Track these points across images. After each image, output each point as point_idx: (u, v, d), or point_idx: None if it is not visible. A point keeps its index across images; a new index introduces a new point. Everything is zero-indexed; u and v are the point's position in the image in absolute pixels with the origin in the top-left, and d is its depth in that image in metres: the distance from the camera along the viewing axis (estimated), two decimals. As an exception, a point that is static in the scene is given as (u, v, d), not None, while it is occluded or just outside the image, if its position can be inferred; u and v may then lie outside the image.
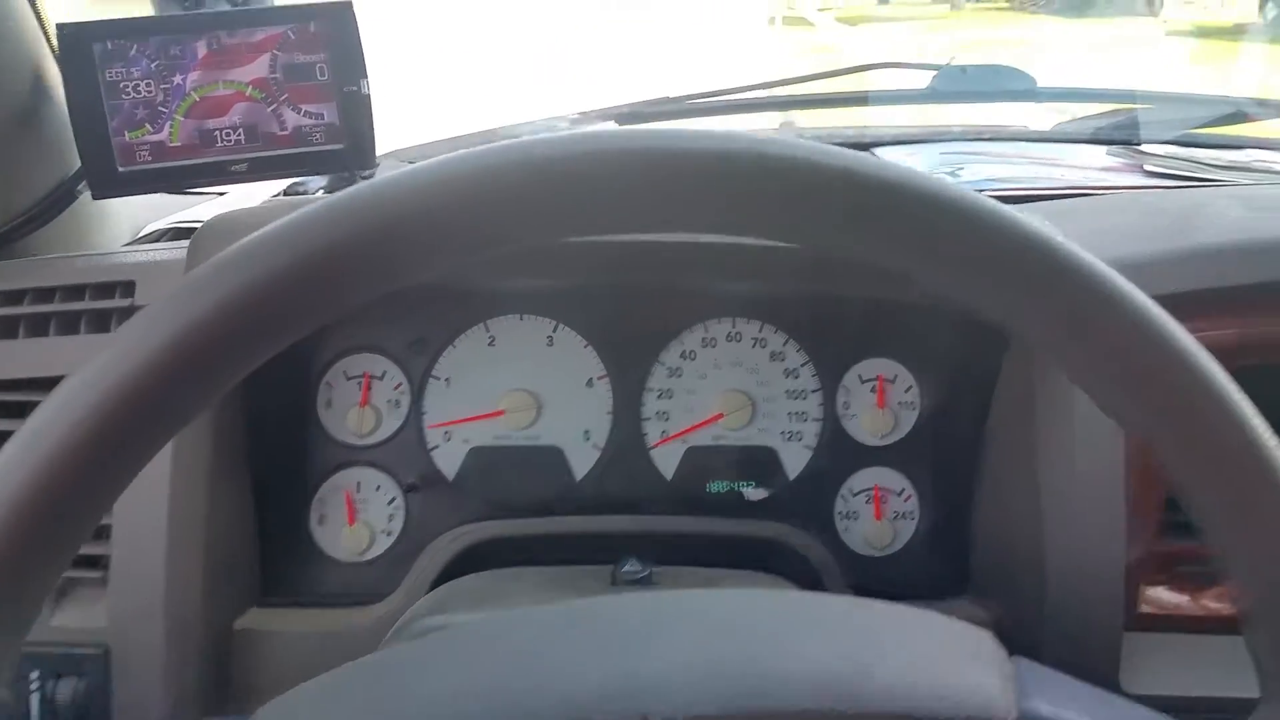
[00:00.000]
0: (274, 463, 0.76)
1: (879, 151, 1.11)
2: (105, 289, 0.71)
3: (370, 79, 0.63)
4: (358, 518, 0.77)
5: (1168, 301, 0.67)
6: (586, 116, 1.11)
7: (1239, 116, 1.23)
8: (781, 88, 1.18)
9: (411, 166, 0.33)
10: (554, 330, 0.78)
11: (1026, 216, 0.34)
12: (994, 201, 0.34)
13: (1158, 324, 0.34)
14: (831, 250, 0.34)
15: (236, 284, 0.30)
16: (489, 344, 0.78)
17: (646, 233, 0.35)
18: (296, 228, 0.31)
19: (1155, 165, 1.02)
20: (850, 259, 0.34)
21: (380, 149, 0.80)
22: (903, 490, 0.79)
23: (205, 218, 0.81)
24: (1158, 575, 0.71)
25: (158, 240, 0.84)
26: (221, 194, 0.97)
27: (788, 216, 0.33)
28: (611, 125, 1.12)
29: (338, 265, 0.31)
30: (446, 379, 0.78)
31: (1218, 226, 0.72)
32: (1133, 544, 0.67)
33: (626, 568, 0.68)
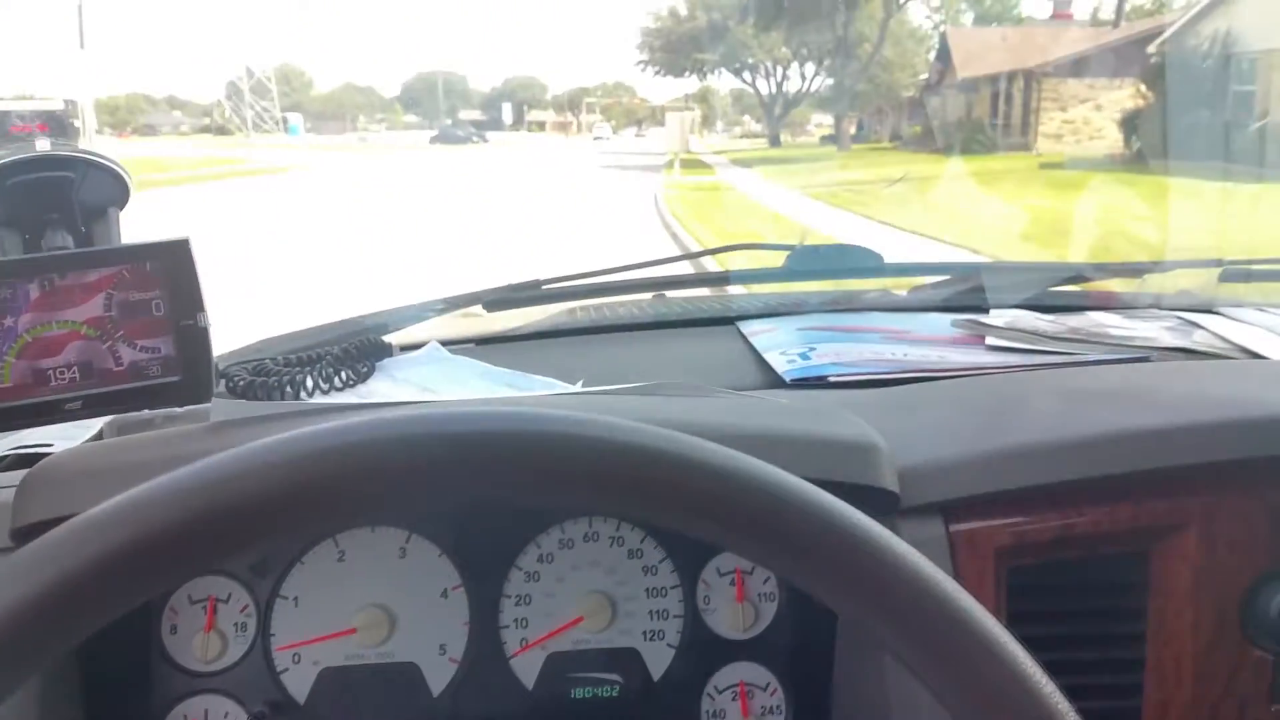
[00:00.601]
0: (115, 693, 0.73)
1: (742, 325, 1.16)
2: None
3: (208, 312, 0.65)
4: None
5: (989, 500, 0.71)
6: (452, 302, 1.14)
7: (1078, 279, 1.33)
8: (649, 269, 1.23)
9: (228, 454, 0.35)
10: (406, 541, 0.77)
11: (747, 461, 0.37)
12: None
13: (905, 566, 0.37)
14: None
15: (55, 572, 0.33)
16: (338, 559, 0.76)
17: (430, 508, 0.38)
18: (133, 505, 0.34)
19: (996, 338, 1.09)
20: None
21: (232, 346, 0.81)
22: (768, 684, 0.79)
23: (46, 442, 0.80)
24: None
25: None
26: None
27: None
28: (478, 309, 1.15)
29: (180, 542, 0.34)
30: (295, 598, 0.76)
31: (1037, 423, 0.76)
32: None
33: None
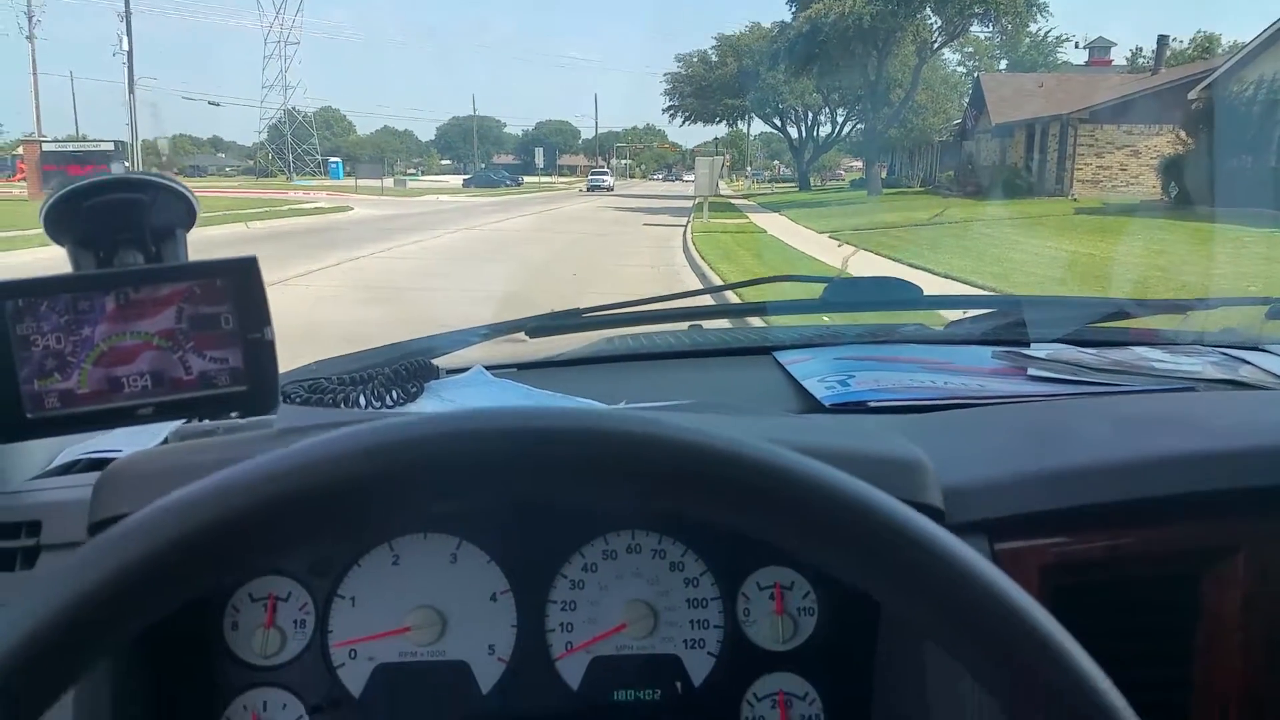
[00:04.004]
0: (179, 685, 0.76)
1: (778, 355, 1.17)
2: (10, 529, 0.72)
3: (273, 327, 0.67)
4: None
5: (1035, 519, 0.71)
6: (496, 329, 1.16)
7: (1120, 315, 1.33)
8: (687, 299, 1.26)
9: (297, 446, 0.37)
10: (457, 548, 0.80)
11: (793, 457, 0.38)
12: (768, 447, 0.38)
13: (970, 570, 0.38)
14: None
15: (131, 556, 0.34)
16: (393, 563, 0.79)
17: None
18: (186, 503, 0.35)
19: (1038, 369, 1.09)
20: None
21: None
22: (806, 694, 0.80)
23: (116, 448, 0.83)
24: None
25: (68, 472, 0.85)
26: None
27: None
28: (522, 337, 1.17)
29: (227, 539, 0.35)
30: (351, 598, 0.79)
31: (1085, 446, 0.77)
32: None
33: None
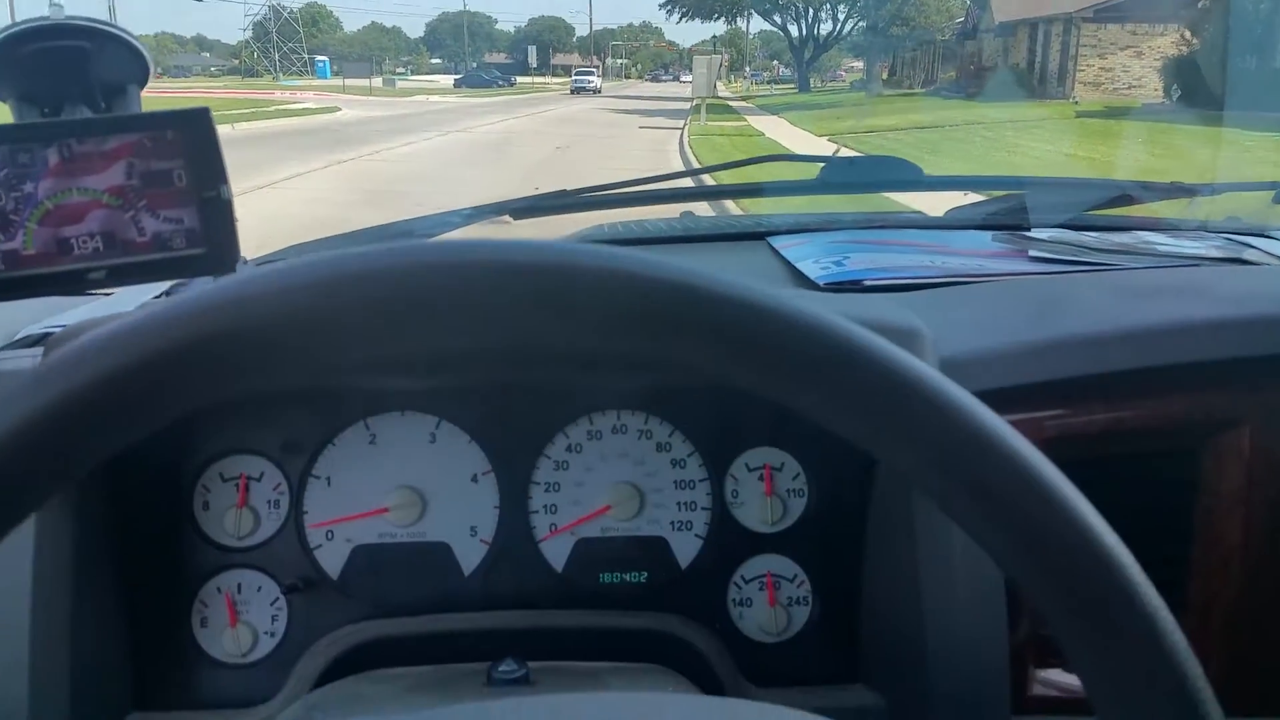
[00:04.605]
0: (149, 566, 0.74)
1: (772, 240, 1.13)
2: None
3: (230, 184, 0.63)
4: (239, 619, 0.75)
5: (1035, 390, 0.68)
6: (480, 211, 1.12)
7: (1125, 199, 1.29)
8: (678, 180, 1.21)
9: (254, 271, 0.33)
10: (436, 427, 0.77)
11: (824, 314, 0.34)
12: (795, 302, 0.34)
13: (997, 437, 0.34)
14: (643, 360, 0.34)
15: (77, 379, 0.31)
16: (370, 442, 0.77)
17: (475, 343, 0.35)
18: (138, 327, 0.32)
19: (1039, 250, 1.05)
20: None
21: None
22: (795, 576, 0.79)
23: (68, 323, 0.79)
24: (1048, 658, 0.71)
25: (31, 345, 0.82)
26: (108, 294, 0.95)
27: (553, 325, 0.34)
28: (507, 220, 1.13)
29: (177, 367, 0.32)
30: (327, 478, 0.77)
31: (1086, 315, 0.74)
32: (1015, 626, 0.67)
33: (502, 668, 0.67)
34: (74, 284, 0.63)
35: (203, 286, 0.33)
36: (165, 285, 0.88)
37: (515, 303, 0.33)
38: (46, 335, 0.82)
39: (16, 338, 0.85)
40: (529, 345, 0.34)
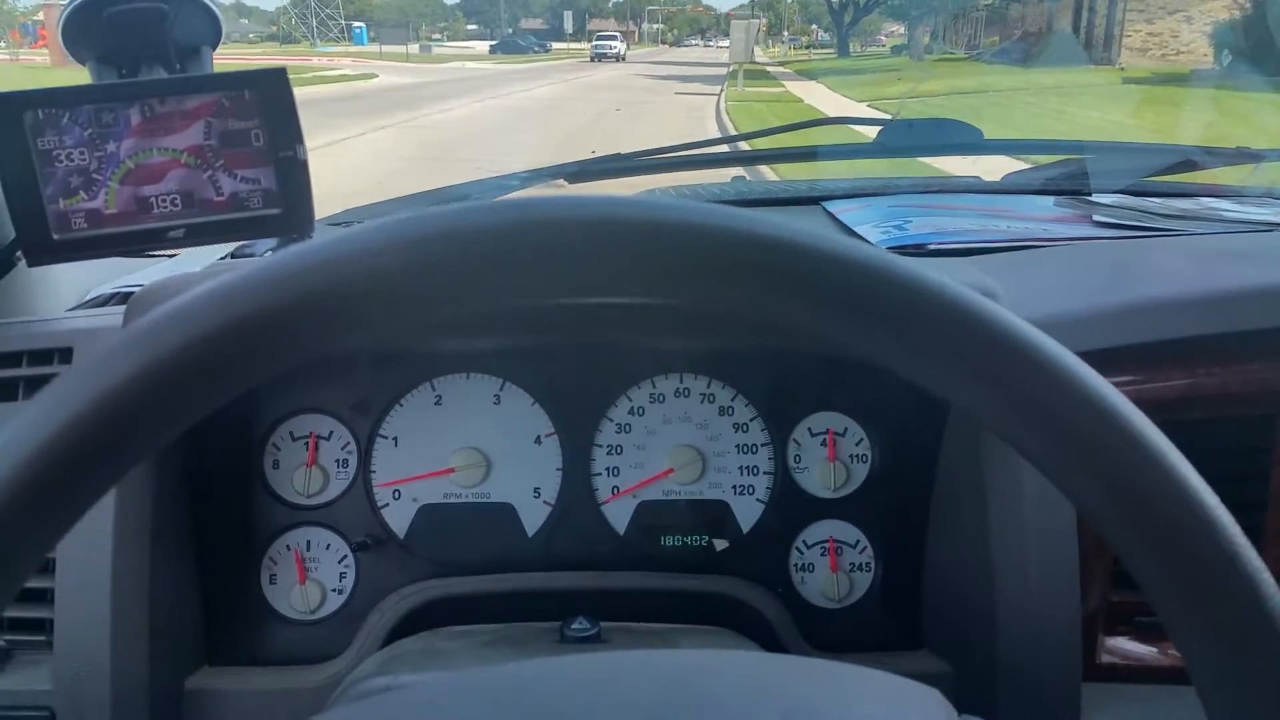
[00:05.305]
0: (220, 524, 0.76)
1: (828, 205, 1.12)
2: (42, 355, 0.71)
3: (305, 145, 0.63)
4: (308, 576, 0.77)
5: (1112, 355, 0.67)
6: (537, 174, 1.12)
7: (1188, 165, 1.26)
8: (731, 144, 1.20)
9: (344, 232, 0.33)
10: (500, 389, 0.78)
11: (923, 267, 0.34)
12: (891, 255, 0.34)
13: (1089, 385, 0.34)
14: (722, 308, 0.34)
15: (167, 345, 0.31)
16: (435, 403, 0.78)
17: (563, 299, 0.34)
18: (229, 290, 0.32)
19: (1104, 215, 1.03)
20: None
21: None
22: (857, 542, 0.79)
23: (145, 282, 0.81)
24: (1118, 625, 0.71)
25: (102, 305, 0.84)
26: (172, 256, 0.97)
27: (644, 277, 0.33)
28: (561, 184, 1.13)
29: (269, 330, 0.32)
30: (394, 438, 0.78)
31: (1162, 279, 0.72)
32: (1087, 595, 0.67)
33: (575, 625, 0.68)
34: (153, 242, 0.64)
35: (294, 248, 0.33)
36: (231, 247, 0.89)
37: (633, 259, 0.32)
38: (118, 295, 0.84)
39: (88, 297, 0.87)
40: (619, 303, 0.34)
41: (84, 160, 0.61)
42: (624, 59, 39.59)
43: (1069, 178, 1.20)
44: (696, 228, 0.33)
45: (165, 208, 0.63)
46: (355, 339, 0.33)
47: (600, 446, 0.79)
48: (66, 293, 0.87)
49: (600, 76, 26.61)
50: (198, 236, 0.64)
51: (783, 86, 19.50)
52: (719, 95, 16.28)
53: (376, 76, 23.83)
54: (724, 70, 21.56)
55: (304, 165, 0.64)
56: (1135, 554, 0.34)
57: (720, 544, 0.79)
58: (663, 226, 0.33)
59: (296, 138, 0.64)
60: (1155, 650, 0.71)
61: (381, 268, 0.32)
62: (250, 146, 0.63)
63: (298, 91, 0.63)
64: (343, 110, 13.28)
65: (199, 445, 0.72)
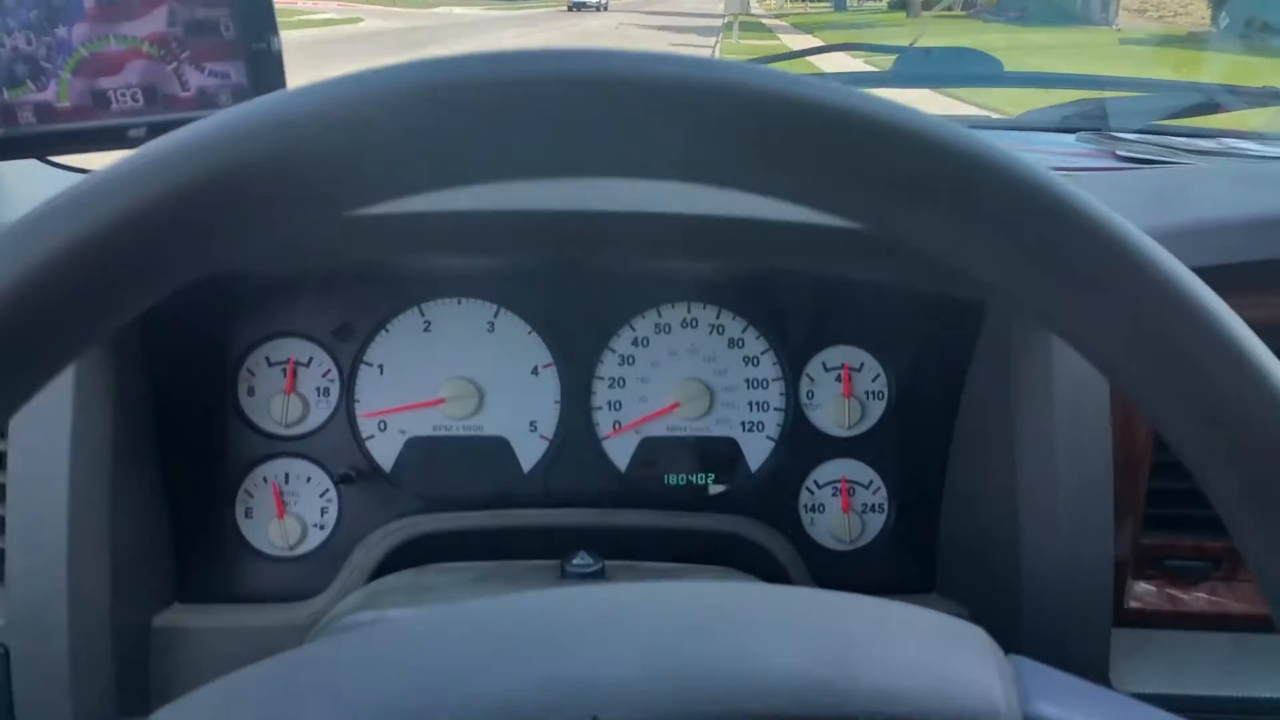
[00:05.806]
0: (191, 453, 0.71)
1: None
2: None
3: (280, 36, 0.57)
4: (287, 510, 0.73)
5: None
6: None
7: (1209, 106, 1.21)
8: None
9: (321, 82, 0.26)
10: (495, 315, 0.73)
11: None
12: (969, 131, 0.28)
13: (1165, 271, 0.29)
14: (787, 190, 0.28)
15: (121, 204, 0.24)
16: (424, 329, 0.73)
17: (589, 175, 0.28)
18: (181, 145, 0.26)
19: (1127, 150, 0.98)
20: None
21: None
22: (870, 482, 0.75)
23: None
24: (1147, 570, 0.67)
25: None
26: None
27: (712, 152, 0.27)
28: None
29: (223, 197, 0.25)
30: (380, 366, 0.73)
31: (1210, 202, 0.68)
32: (1119, 537, 0.63)
33: (576, 561, 0.64)
34: (111, 141, 0.58)
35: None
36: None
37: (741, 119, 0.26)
38: None
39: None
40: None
41: (30, 46, 0.55)
42: (606, 8, 37.12)
43: (1087, 116, 1.15)
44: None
45: (125, 103, 0.57)
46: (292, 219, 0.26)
47: (601, 379, 0.74)
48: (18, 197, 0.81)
49: (590, 25, 26.23)
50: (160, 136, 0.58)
51: (778, 40, 19.24)
52: (714, 47, 16.05)
53: (361, 20, 23.42)
54: (718, 22, 21.24)
55: (279, 59, 0.58)
56: (1206, 462, 0.29)
57: (720, 488, 0.75)
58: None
59: (270, 28, 0.58)
60: (1181, 594, 0.67)
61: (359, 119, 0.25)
62: (219, 36, 0.57)
63: (284, 34, 0.57)
64: (329, 53, 13.02)
65: (167, 366, 0.67)
